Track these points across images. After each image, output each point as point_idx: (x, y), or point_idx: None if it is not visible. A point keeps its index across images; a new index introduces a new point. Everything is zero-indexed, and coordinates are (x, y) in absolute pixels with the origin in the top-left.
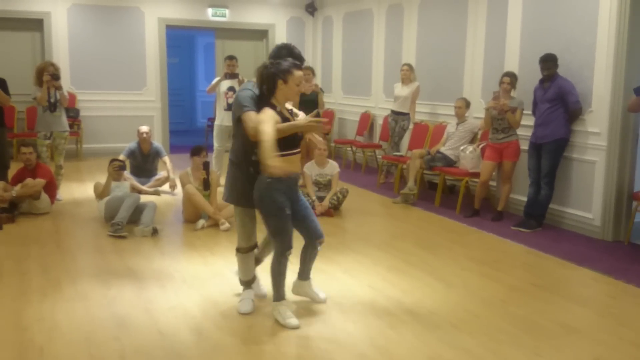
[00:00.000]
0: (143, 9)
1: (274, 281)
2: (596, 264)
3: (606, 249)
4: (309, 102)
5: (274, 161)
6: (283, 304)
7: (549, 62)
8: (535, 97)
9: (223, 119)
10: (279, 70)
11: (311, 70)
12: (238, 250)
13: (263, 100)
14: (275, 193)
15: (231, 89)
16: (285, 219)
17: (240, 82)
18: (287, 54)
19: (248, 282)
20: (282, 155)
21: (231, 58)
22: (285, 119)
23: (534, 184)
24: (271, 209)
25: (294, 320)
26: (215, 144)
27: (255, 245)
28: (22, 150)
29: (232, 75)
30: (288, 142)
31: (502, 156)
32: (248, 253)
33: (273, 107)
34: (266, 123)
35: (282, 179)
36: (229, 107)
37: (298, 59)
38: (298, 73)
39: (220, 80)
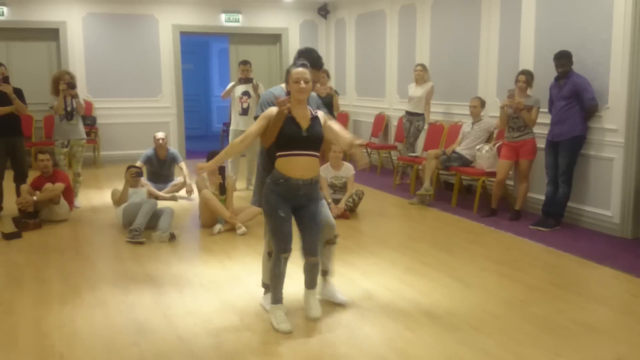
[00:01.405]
0: (157, 16)
1: (271, 283)
2: (616, 262)
3: (626, 246)
4: (324, 105)
5: (204, 163)
6: (279, 307)
7: (563, 59)
8: (550, 95)
9: (238, 123)
10: (286, 73)
11: (326, 73)
12: (269, 254)
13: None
14: (271, 194)
15: (245, 93)
16: (279, 221)
17: (255, 87)
18: (305, 56)
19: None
20: (280, 157)
21: (245, 63)
22: (290, 121)
23: (552, 182)
24: (266, 210)
25: (285, 326)
26: None
27: None
28: (39, 157)
29: (246, 80)
30: (286, 141)
31: (518, 155)
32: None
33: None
34: (252, 126)
35: (280, 182)
36: (244, 112)
37: (313, 61)
38: (296, 70)
39: (234, 85)
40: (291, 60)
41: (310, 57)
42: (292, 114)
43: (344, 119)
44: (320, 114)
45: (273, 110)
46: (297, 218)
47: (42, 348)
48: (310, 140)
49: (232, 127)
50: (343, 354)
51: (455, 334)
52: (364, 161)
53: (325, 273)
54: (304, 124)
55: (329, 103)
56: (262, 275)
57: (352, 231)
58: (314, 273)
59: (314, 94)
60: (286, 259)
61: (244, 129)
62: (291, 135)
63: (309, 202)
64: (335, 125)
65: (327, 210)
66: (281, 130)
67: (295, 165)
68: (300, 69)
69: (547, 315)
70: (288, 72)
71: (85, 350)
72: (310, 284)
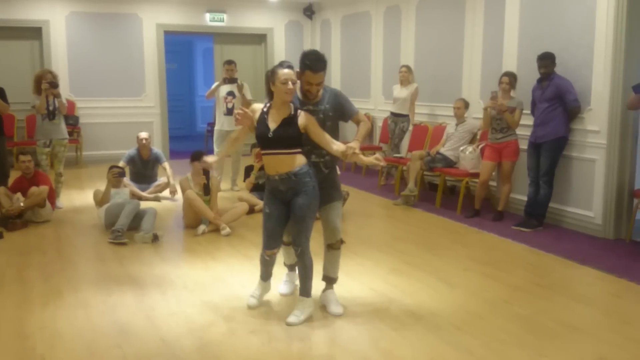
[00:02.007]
0: (141, 15)
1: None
2: (598, 263)
3: (608, 247)
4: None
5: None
6: (260, 283)
7: (546, 59)
8: (533, 97)
9: (223, 123)
10: (270, 73)
11: None
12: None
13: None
14: (266, 190)
15: (230, 93)
16: (264, 216)
17: (240, 87)
18: (308, 57)
19: (291, 265)
20: (263, 156)
21: (230, 63)
22: (262, 119)
23: (534, 184)
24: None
25: (251, 300)
26: (216, 149)
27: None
28: (20, 159)
29: (230, 80)
30: (259, 141)
31: (501, 156)
32: (287, 246)
33: (264, 107)
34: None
35: (267, 180)
36: (228, 112)
37: (317, 62)
38: (282, 71)
39: (219, 85)
40: (276, 61)
41: (318, 60)
42: (268, 115)
43: None
44: (302, 116)
45: (254, 107)
46: (290, 210)
47: (23, 350)
48: (275, 141)
49: (216, 127)
50: (327, 355)
51: (439, 334)
52: (372, 162)
53: (326, 279)
54: (274, 125)
55: None
56: (284, 257)
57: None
58: (300, 271)
59: (330, 88)
60: (270, 256)
61: (229, 129)
62: (260, 136)
63: (296, 195)
64: (319, 132)
65: (334, 214)
66: (256, 129)
67: (269, 164)
68: (287, 71)
69: (530, 315)
70: (274, 72)
71: (67, 352)
72: (301, 290)
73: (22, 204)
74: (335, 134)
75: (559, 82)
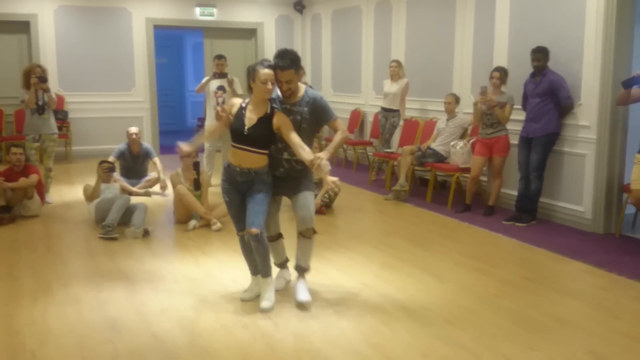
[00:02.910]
0: (130, 9)
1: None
2: (588, 257)
3: (598, 241)
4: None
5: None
6: (252, 278)
7: (539, 53)
8: (525, 91)
9: (213, 118)
10: (251, 70)
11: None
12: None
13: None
14: (222, 180)
15: (221, 88)
16: (227, 205)
17: (230, 82)
18: (281, 55)
19: (281, 264)
20: (232, 147)
21: (220, 57)
22: (240, 114)
23: (524, 178)
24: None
25: (245, 294)
26: (206, 144)
27: (279, 235)
28: (12, 151)
29: (221, 75)
30: (233, 135)
31: (492, 151)
32: (273, 242)
33: (243, 102)
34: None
35: (225, 167)
36: None
37: (283, 60)
38: (263, 71)
39: (209, 80)
40: (267, 55)
41: (285, 58)
42: (246, 110)
43: None
44: (277, 116)
45: (234, 101)
46: (245, 200)
47: (12, 346)
48: (249, 138)
49: (207, 122)
50: (318, 350)
51: (430, 328)
52: (328, 185)
53: (297, 268)
54: (250, 122)
55: None
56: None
57: (328, 227)
58: (257, 251)
59: (313, 92)
60: (242, 237)
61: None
62: (235, 131)
63: (251, 186)
64: (290, 135)
65: (306, 202)
66: (232, 124)
67: (236, 155)
68: (267, 71)
69: (520, 309)
70: (255, 70)
71: (57, 348)
72: (261, 270)
73: (10, 185)
74: (310, 138)
75: (552, 78)
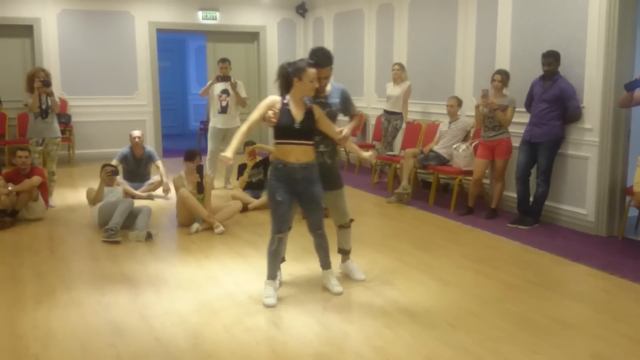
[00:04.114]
0: (133, 13)
1: (267, 260)
2: (591, 260)
3: (600, 244)
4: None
5: (225, 152)
6: (270, 283)
7: (549, 57)
8: (532, 92)
9: (217, 121)
10: (295, 69)
11: None
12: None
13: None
14: (272, 179)
15: (224, 91)
16: (276, 204)
17: (233, 85)
18: (317, 54)
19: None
20: (277, 144)
21: (224, 61)
22: (285, 111)
23: (521, 181)
24: (268, 193)
25: (269, 300)
26: (210, 146)
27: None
28: (18, 154)
29: (224, 78)
30: (282, 131)
31: (494, 154)
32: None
33: (283, 99)
34: (253, 113)
35: (279, 167)
36: (223, 110)
37: (322, 57)
38: (311, 70)
39: (212, 83)
40: (269, 59)
41: (323, 55)
42: (290, 107)
43: None
44: (316, 110)
45: (273, 99)
46: (300, 202)
47: (16, 350)
48: (301, 132)
49: (210, 125)
50: (322, 353)
51: (433, 331)
52: (363, 156)
53: (343, 252)
54: (298, 117)
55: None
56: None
57: (330, 230)
58: (323, 250)
59: (337, 84)
60: (280, 239)
61: (223, 127)
62: (284, 127)
63: (309, 185)
64: (328, 122)
65: (341, 200)
66: (278, 121)
67: (290, 152)
68: (314, 70)
69: (523, 312)
70: (302, 69)
71: (60, 351)
72: (324, 264)
73: (10, 188)
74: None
75: (563, 86)
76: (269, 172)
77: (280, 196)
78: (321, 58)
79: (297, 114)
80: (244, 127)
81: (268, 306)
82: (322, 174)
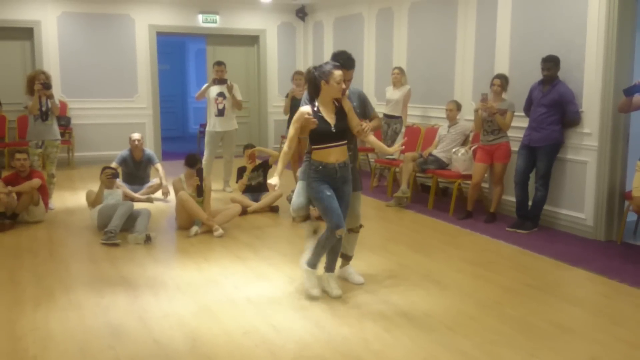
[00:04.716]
0: (133, 16)
1: (315, 249)
2: (590, 264)
3: (599, 248)
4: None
5: (272, 179)
6: (314, 272)
7: (549, 62)
8: (531, 96)
9: (215, 124)
10: (321, 73)
11: (303, 75)
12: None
13: (311, 100)
14: (313, 181)
15: (221, 94)
16: (327, 199)
17: (229, 88)
18: (342, 57)
19: (347, 257)
20: (315, 149)
21: (219, 64)
22: (321, 120)
23: (519, 185)
24: (313, 195)
25: (316, 291)
26: (206, 152)
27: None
28: (16, 157)
29: (220, 81)
30: (320, 137)
31: (493, 158)
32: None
33: (312, 105)
34: (290, 131)
35: (319, 168)
36: (220, 113)
37: (347, 60)
38: (337, 72)
39: (208, 86)
40: (269, 62)
41: (338, 57)
42: (321, 112)
43: None
44: (344, 103)
45: (304, 110)
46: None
47: (15, 352)
48: (338, 134)
49: (208, 129)
50: (320, 356)
51: (431, 335)
52: (388, 151)
53: (345, 257)
54: (332, 119)
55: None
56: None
57: None
58: (334, 252)
59: (354, 88)
60: (340, 236)
61: (221, 130)
62: (321, 132)
63: (344, 183)
64: (353, 114)
65: (357, 202)
66: (315, 128)
67: (330, 154)
68: (340, 72)
69: (522, 316)
70: (329, 72)
71: (59, 353)
72: (329, 267)
73: (8, 190)
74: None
75: (562, 91)
76: (307, 176)
77: (329, 190)
78: (346, 61)
79: (330, 118)
80: (285, 147)
81: (314, 296)
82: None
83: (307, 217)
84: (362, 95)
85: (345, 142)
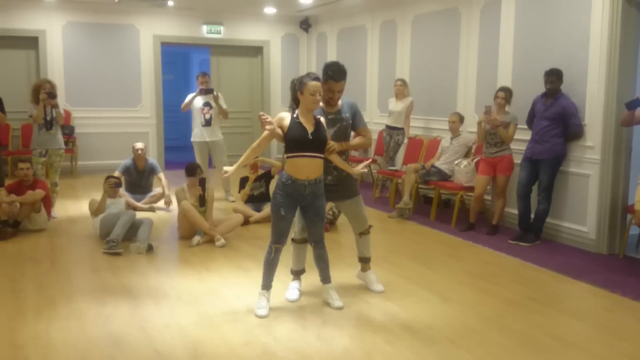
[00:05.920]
0: (138, 26)
1: (263, 270)
2: (592, 278)
3: (601, 262)
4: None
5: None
6: (263, 293)
7: (552, 75)
8: (534, 109)
9: (202, 134)
10: (299, 83)
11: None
12: (292, 240)
13: (294, 109)
14: (277, 193)
15: (207, 104)
16: (279, 218)
17: (215, 97)
18: (331, 68)
19: (297, 272)
20: (289, 158)
21: (204, 74)
22: (295, 124)
23: (522, 197)
24: (272, 205)
25: (261, 311)
26: (198, 162)
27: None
28: (19, 166)
29: (206, 91)
30: (295, 144)
31: (495, 170)
32: (300, 244)
33: (293, 113)
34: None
35: (288, 183)
36: (207, 123)
37: (336, 72)
38: (312, 83)
39: (194, 97)
40: (272, 73)
41: (337, 70)
42: (300, 120)
43: None
44: (322, 119)
45: (282, 115)
46: (303, 213)
47: None
48: (314, 143)
49: (194, 139)
50: None
51: (433, 348)
52: (352, 171)
53: (363, 260)
54: (310, 127)
55: None
56: (292, 263)
57: (331, 244)
58: (323, 261)
59: (348, 99)
60: (277, 250)
61: (208, 140)
62: (297, 139)
63: (315, 199)
64: (326, 133)
65: (359, 207)
66: (289, 133)
67: (302, 167)
68: (316, 83)
69: (524, 329)
70: (303, 83)
71: None
72: (324, 278)
73: (12, 198)
74: (346, 139)
75: (565, 104)
76: (276, 185)
77: (285, 211)
78: (335, 72)
79: (309, 127)
80: (254, 144)
81: (260, 317)
82: (338, 185)
83: (305, 241)
84: (355, 106)
85: (322, 156)
